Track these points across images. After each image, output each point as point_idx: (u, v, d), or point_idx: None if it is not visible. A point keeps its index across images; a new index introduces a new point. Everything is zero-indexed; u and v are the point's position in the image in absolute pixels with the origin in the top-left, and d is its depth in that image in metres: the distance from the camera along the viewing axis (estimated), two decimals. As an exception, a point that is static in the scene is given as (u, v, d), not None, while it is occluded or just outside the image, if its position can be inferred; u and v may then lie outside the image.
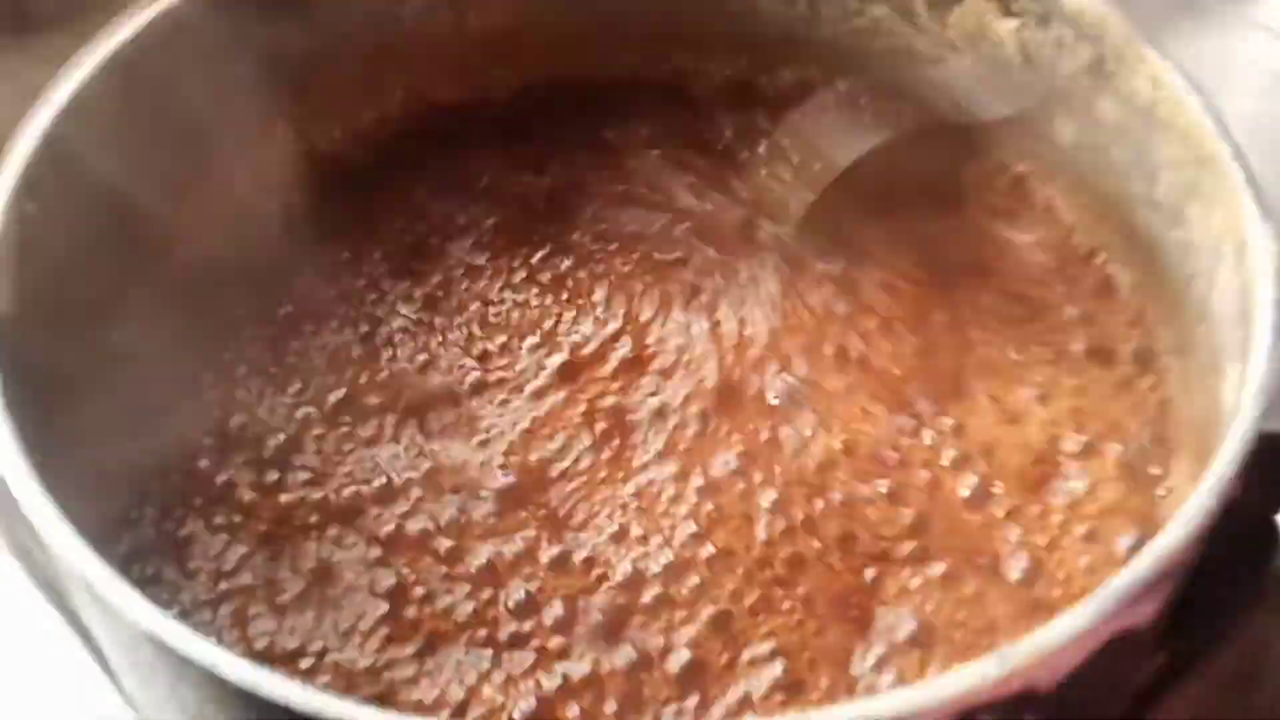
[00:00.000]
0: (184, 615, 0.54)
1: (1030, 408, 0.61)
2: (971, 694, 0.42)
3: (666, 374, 0.61)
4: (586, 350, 0.62)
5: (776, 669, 0.52)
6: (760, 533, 0.56)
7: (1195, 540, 0.46)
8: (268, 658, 0.53)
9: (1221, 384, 0.55)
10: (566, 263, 0.66)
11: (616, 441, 0.59)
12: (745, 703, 0.51)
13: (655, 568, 0.55)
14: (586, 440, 0.59)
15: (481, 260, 0.66)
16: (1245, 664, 0.67)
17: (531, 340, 0.63)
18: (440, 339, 0.63)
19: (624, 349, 0.62)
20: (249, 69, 0.65)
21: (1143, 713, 0.61)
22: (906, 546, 0.56)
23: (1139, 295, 0.65)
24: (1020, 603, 0.55)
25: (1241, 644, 0.66)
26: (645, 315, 0.64)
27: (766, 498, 0.57)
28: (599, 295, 0.65)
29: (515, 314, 0.64)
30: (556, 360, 0.62)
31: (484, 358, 0.62)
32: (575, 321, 0.64)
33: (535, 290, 0.65)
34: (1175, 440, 0.60)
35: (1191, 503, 0.46)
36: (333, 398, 0.61)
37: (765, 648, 0.52)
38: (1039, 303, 0.65)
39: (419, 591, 0.54)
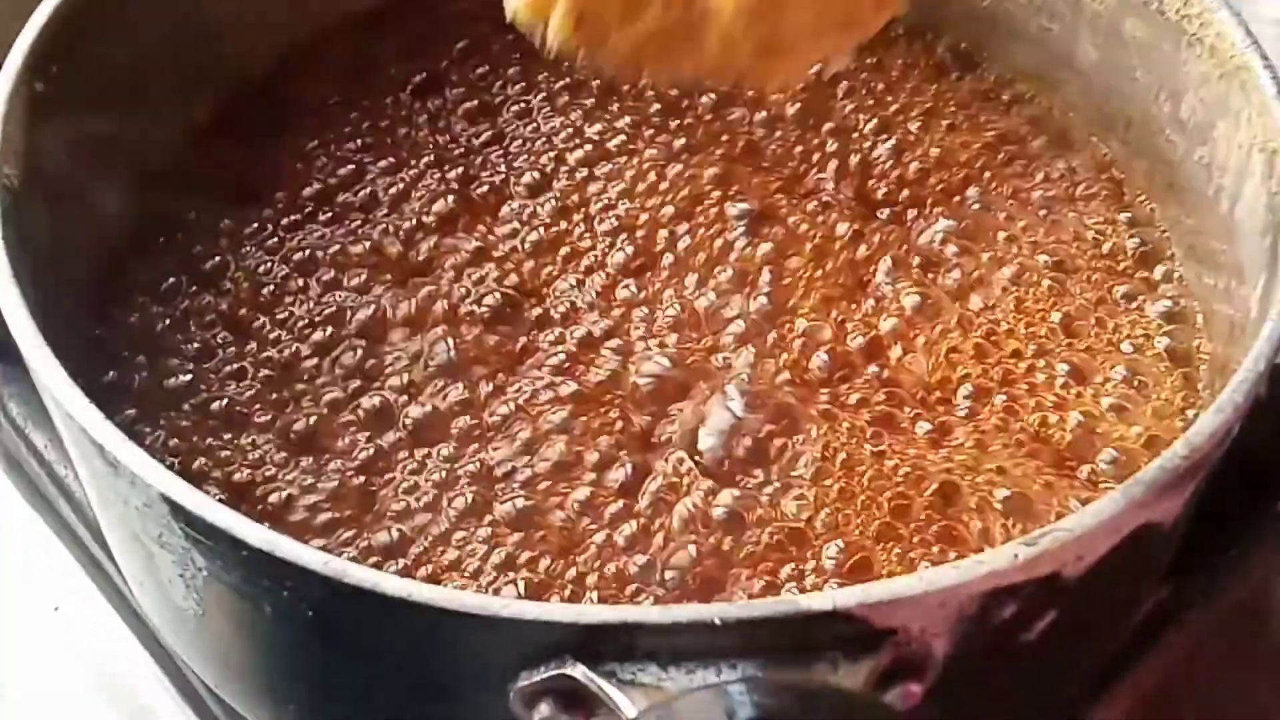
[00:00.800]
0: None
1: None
2: (999, 575, 0.41)
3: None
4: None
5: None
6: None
7: (1222, 436, 0.46)
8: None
9: (1248, 294, 0.54)
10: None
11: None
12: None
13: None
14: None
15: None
16: (1250, 601, 0.67)
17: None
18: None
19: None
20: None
21: (1148, 646, 0.61)
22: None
23: (1161, 216, 0.64)
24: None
25: (1246, 581, 0.66)
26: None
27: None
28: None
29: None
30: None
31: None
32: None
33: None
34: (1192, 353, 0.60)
35: (1222, 398, 0.46)
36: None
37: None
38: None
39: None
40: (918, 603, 0.40)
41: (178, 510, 0.42)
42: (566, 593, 0.51)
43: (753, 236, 0.62)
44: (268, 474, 0.54)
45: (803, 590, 0.50)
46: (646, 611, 0.43)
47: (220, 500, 0.48)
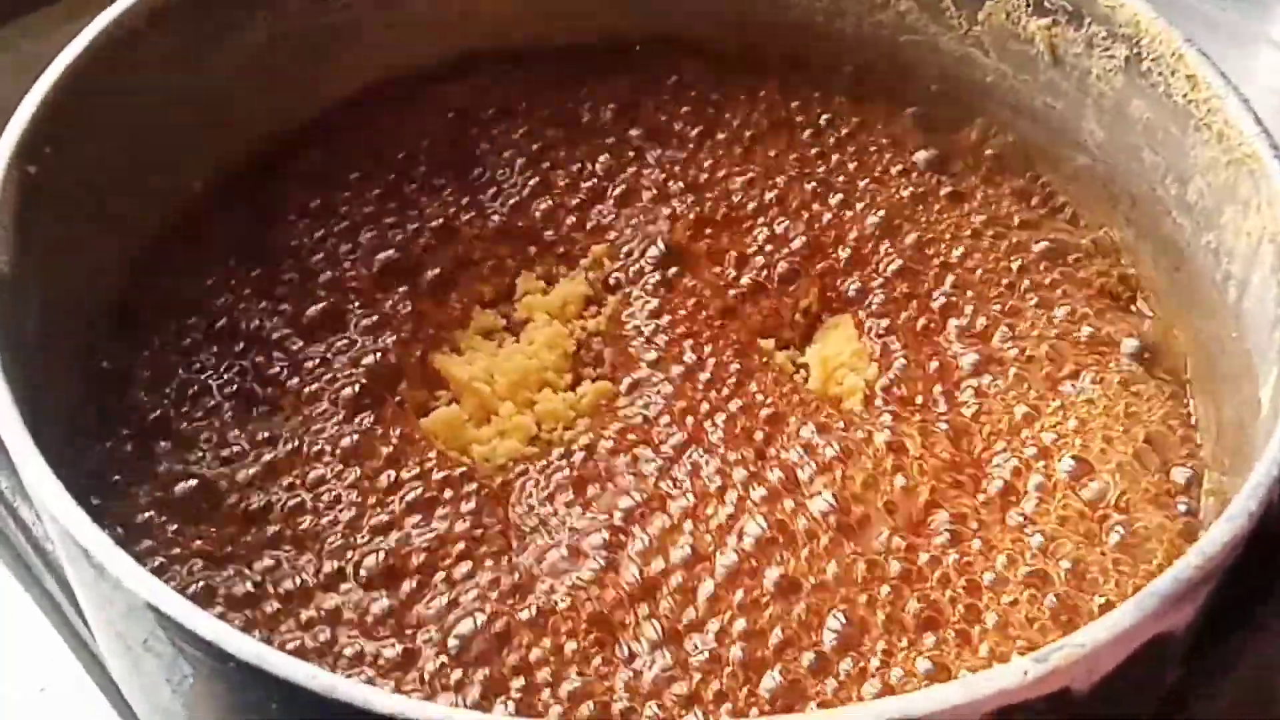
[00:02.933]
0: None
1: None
2: (1007, 693, 0.40)
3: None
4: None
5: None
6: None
7: (1237, 542, 0.45)
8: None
9: (1257, 388, 0.53)
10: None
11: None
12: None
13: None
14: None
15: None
16: (1263, 676, 0.65)
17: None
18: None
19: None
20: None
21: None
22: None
23: (1165, 302, 0.63)
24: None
25: (1252, 662, 0.65)
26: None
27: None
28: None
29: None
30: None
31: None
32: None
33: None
34: (1199, 444, 0.59)
35: (1236, 505, 0.45)
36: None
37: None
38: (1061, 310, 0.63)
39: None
40: (924, 724, 0.39)
41: (165, 619, 0.41)
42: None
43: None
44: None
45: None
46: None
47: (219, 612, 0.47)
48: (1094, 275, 0.65)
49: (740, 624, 0.52)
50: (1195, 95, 0.59)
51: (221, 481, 0.56)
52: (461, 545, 0.54)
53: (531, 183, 0.68)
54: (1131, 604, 0.42)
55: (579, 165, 0.69)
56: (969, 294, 0.63)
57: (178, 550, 0.54)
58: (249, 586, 0.53)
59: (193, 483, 0.56)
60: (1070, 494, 0.56)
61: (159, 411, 0.58)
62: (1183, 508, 0.56)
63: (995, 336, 0.62)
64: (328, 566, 0.54)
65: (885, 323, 0.62)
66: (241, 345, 0.61)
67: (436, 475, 0.57)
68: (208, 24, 0.64)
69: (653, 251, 0.65)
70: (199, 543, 0.54)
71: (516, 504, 0.56)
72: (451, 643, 0.51)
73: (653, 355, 0.62)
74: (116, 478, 0.56)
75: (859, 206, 0.67)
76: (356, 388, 0.59)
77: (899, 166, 0.69)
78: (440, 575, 0.54)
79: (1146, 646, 0.43)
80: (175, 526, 0.54)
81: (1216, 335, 0.59)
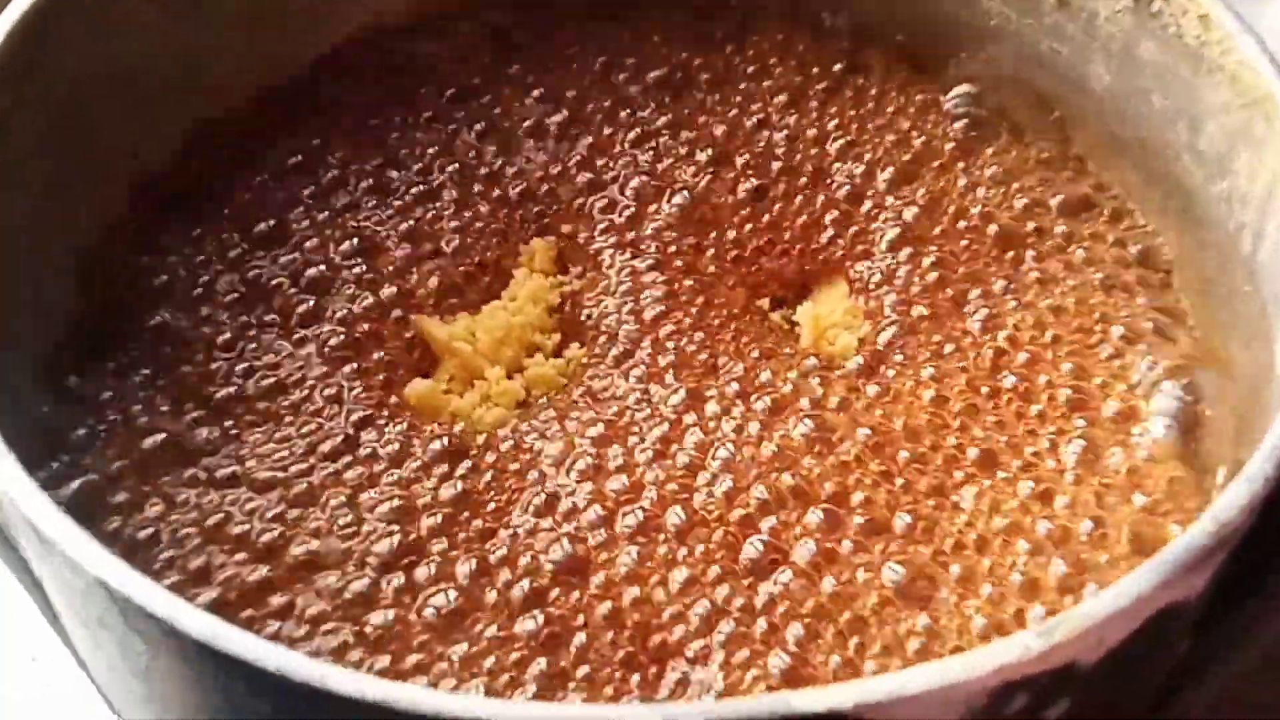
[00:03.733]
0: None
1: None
2: (1010, 668, 0.38)
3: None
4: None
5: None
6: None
7: (1253, 507, 0.42)
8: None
9: (1270, 344, 0.51)
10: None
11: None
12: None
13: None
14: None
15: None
16: (1274, 650, 0.63)
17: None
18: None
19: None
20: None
21: (1167, 703, 0.58)
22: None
23: (1176, 254, 0.60)
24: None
25: (1268, 633, 0.62)
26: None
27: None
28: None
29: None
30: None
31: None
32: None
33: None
34: (1209, 405, 0.56)
35: (1252, 467, 0.42)
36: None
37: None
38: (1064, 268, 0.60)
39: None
40: (921, 701, 0.37)
41: (115, 596, 0.39)
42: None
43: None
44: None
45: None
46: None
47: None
48: (1106, 231, 0.62)
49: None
50: (1208, 36, 0.56)
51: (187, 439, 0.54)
52: (438, 518, 0.52)
53: (527, 144, 0.66)
54: (1141, 573, 0.39)
55: (568, 124, 0.66)
56: (973, 251, 0.60)
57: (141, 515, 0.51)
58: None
59: (160, 437, 0.54)
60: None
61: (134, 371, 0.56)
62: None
63: (1000, 295, 0.59)
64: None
65: (882, 280, 0.60)
66: (211, 311, 0.59)
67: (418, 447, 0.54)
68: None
69: (646, 208, 0.63)
70: (161, 506, 0.52)
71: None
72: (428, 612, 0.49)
73: (642, 313, 0.59)
74: (83, 431, 0.53)
75: (860, 159, 0.64)
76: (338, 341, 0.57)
77: (903, 117, 0.66)
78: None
79: (1157, 617, 0.41)
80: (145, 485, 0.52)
81: (1228, 289, 0.56)
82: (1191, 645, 0.56)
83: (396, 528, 0.51)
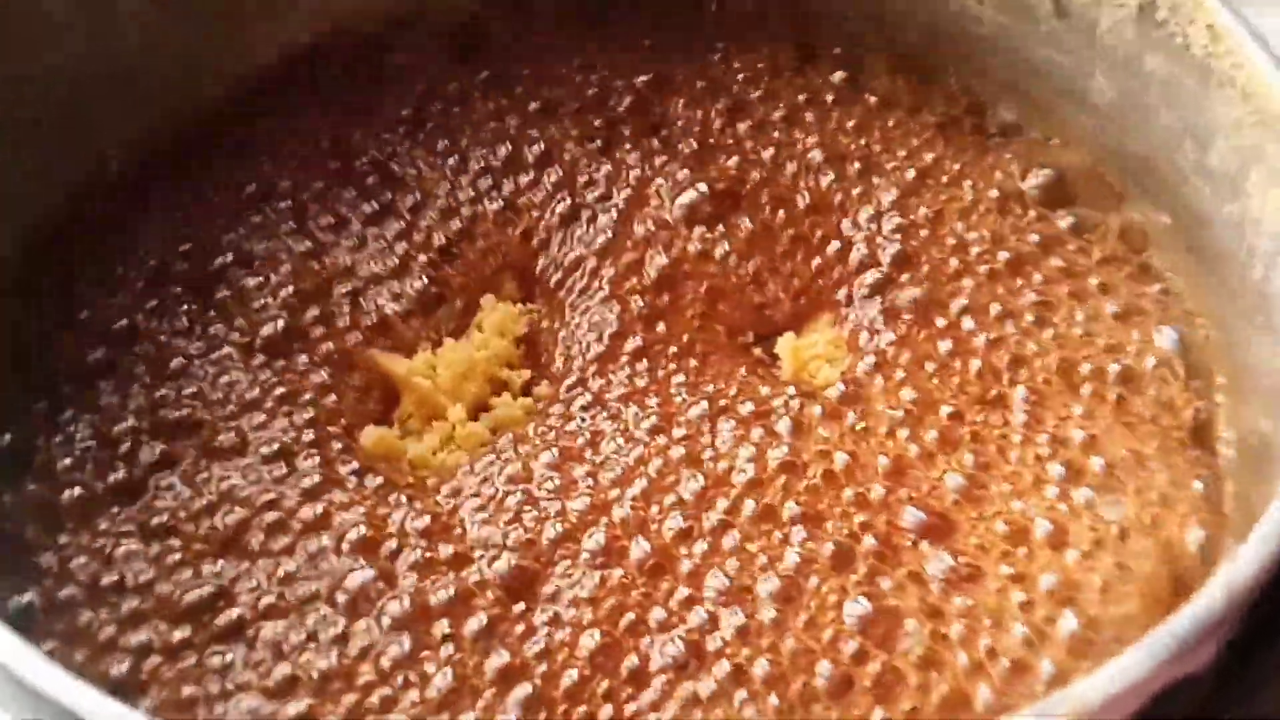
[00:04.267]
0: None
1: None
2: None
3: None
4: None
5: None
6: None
7: (1269, 568, 0.38)
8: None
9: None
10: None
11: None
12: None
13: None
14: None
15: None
16: None
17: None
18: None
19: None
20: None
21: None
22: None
23: (1183, 278, 0.56)
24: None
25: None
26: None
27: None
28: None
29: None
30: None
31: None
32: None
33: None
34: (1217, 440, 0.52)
35: (1266, 528, 0.39)
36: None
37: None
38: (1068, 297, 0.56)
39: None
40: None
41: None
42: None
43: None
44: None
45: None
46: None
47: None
48: (1108, 251, 0.58)
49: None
50: (1216, 48, 0.53)
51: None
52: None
53: (495, 157, 0.62)
54: (1144, 648, 0.36)
55: (543, 143, 0.62)
56: (968, 279, 0.57)
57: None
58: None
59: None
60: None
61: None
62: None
63: (992, 323, 0.55)
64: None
65: (874, 313, 0.56)
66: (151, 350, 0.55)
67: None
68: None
69: (624, 232, 0.59)
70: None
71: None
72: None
73: (617, 345, 0.55)
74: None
75: (845, 173, 0.60)
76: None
77: (897, 131, 0.62)
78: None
79: (1164, 691, 0.37)
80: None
81: (1239, 317, 0.53)
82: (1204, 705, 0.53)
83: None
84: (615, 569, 0.47)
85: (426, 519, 0.49)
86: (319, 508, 0.50)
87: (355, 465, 0.52)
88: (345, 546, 0.49)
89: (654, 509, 0.49)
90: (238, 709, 0.44)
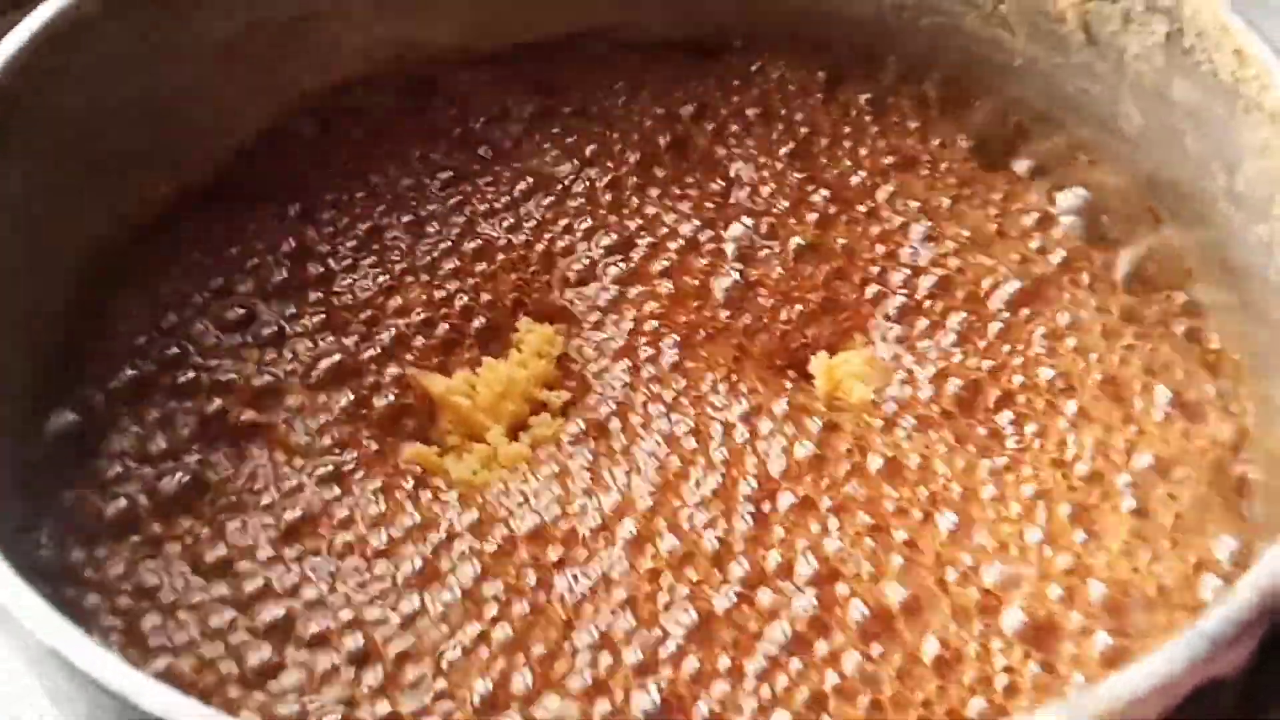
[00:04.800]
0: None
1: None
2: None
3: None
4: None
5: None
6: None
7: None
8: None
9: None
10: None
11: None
12: None
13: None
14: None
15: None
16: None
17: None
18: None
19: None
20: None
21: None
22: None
23: (1212, 301, 0.57)
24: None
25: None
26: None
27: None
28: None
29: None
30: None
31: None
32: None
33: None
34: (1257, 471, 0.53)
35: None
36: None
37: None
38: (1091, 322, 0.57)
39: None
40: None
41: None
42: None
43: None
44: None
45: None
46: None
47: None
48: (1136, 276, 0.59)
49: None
50: (1243, 72, 0.53)
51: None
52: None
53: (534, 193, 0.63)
54: (1177, 648, 0.36)
55: (584, 174, 0.64)
56: (999, 301, 0.58)
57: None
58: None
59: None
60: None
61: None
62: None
63: (1030, 348, 0.56)
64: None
65: (902, 331, 0.57)
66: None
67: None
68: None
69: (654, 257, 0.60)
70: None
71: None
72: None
73: (657, 366, 0.56)
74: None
75: (876, 201, 0.62)
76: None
77: (925, 162, 0.63)
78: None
79: (1193, 694, 0.37)
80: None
81: (1268, 339, 0.53)
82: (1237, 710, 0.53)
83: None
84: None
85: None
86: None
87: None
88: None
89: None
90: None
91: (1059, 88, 0.62)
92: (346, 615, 0.48)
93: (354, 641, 0.47)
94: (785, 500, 0.51)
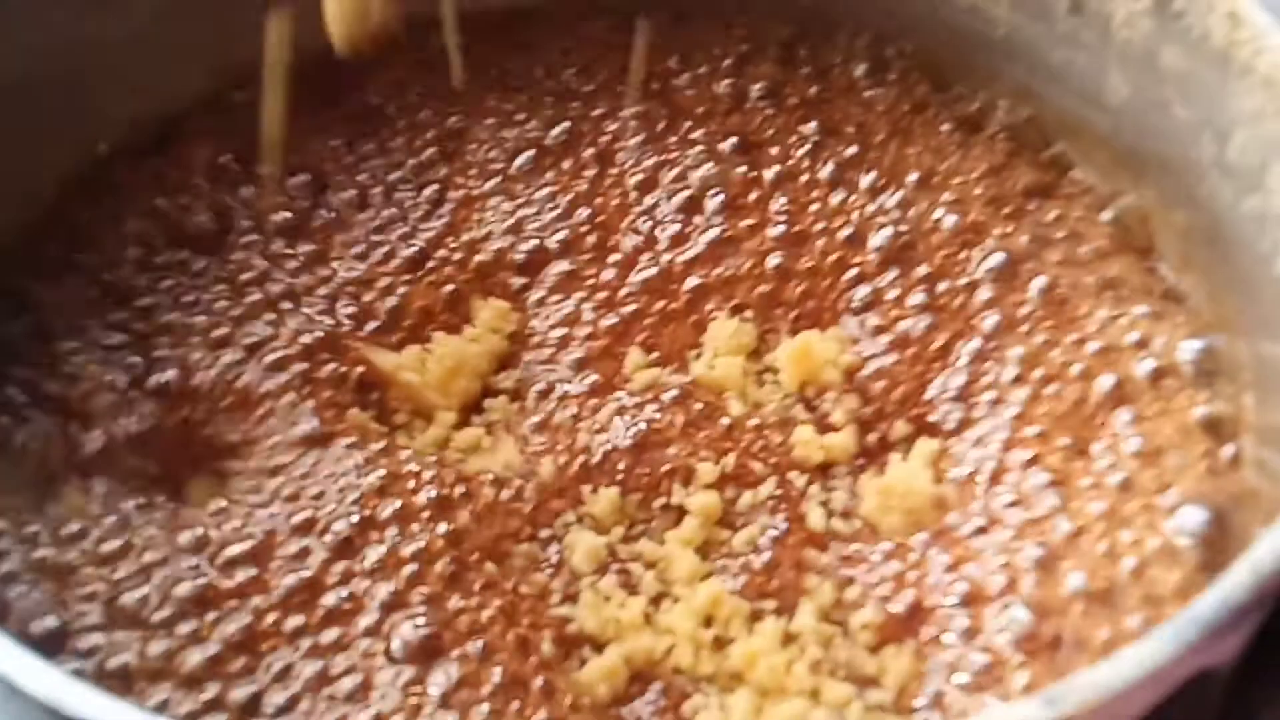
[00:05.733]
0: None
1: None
2: (1012, 744, 0.32)
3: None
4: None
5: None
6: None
7: (1296, 557, 0.36)
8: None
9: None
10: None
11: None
12: None
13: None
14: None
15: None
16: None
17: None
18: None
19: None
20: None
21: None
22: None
23: (1202, 281, 0.54)
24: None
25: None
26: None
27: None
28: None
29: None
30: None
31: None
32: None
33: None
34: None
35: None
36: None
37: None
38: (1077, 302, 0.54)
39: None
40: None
41: None
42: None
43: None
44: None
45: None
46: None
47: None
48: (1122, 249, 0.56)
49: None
50: (1237, 35, 0.51)
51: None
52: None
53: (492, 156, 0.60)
54: (1168, 634, 0.33)
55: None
56: (979, 277, 0.55)
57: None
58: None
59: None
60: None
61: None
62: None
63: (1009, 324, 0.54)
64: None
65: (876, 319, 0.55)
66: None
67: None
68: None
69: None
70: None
71: None
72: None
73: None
74: None
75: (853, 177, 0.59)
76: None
77: (910, 133, 0.60)
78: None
79: (1184, 684, 0.35)
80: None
81: (1261, 314, 0.51)
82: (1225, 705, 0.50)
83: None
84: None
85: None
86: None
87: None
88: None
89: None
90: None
91: (1042, 60, 0.59)
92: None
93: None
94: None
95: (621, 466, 0.49)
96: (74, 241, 0.56)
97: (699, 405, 0.51)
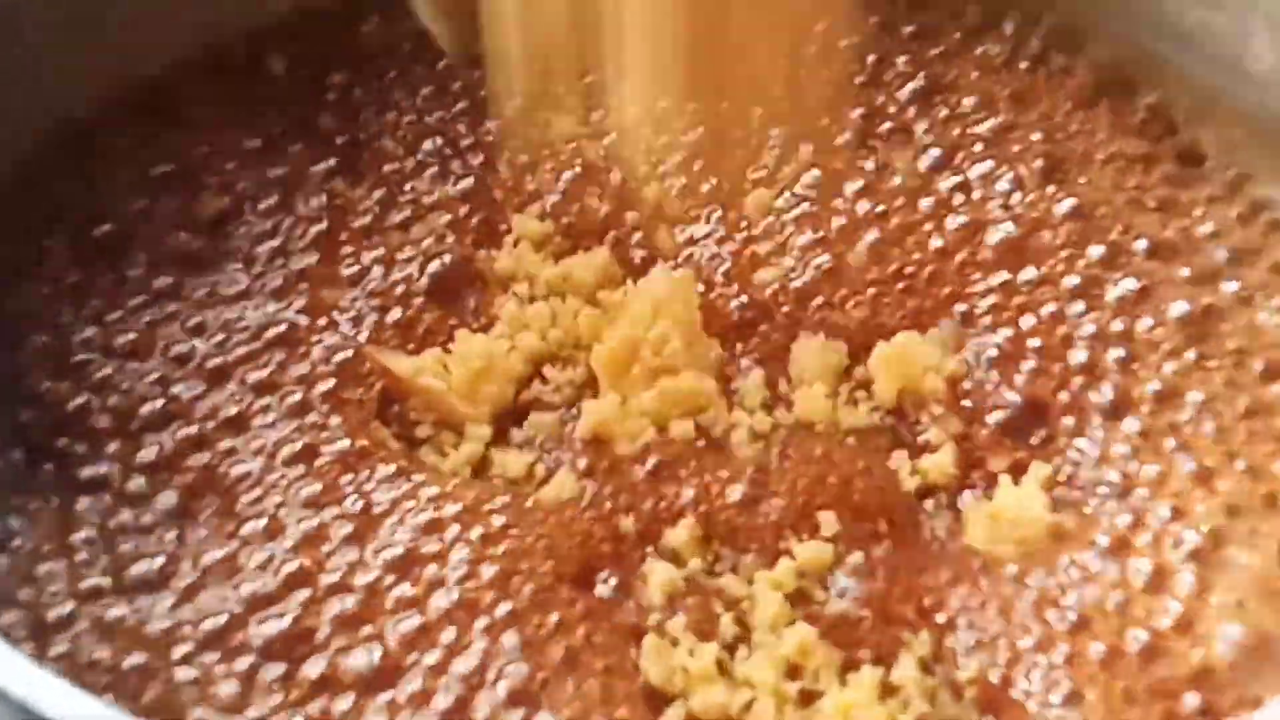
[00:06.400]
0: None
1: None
2: None
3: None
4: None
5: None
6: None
7: None
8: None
9: None
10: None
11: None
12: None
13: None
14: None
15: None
16: None
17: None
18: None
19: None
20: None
21: None
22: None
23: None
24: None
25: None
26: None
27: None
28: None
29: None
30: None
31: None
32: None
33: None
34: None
35: None
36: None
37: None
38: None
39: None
40: None
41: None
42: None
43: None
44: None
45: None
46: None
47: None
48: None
49: None
50: None
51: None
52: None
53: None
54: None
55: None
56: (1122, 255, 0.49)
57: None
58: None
59: None
60: None
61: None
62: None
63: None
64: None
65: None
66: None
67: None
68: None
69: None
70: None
71: None
72: None
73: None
74: None
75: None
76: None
77: (1036, 103, 0.54)
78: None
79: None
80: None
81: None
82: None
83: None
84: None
85: None
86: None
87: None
88: None
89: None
90: None
91: (1176, 23, 0.53)
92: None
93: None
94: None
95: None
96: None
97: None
